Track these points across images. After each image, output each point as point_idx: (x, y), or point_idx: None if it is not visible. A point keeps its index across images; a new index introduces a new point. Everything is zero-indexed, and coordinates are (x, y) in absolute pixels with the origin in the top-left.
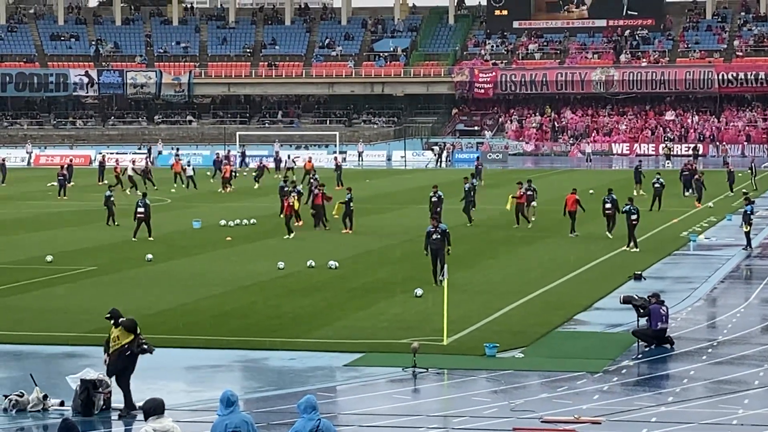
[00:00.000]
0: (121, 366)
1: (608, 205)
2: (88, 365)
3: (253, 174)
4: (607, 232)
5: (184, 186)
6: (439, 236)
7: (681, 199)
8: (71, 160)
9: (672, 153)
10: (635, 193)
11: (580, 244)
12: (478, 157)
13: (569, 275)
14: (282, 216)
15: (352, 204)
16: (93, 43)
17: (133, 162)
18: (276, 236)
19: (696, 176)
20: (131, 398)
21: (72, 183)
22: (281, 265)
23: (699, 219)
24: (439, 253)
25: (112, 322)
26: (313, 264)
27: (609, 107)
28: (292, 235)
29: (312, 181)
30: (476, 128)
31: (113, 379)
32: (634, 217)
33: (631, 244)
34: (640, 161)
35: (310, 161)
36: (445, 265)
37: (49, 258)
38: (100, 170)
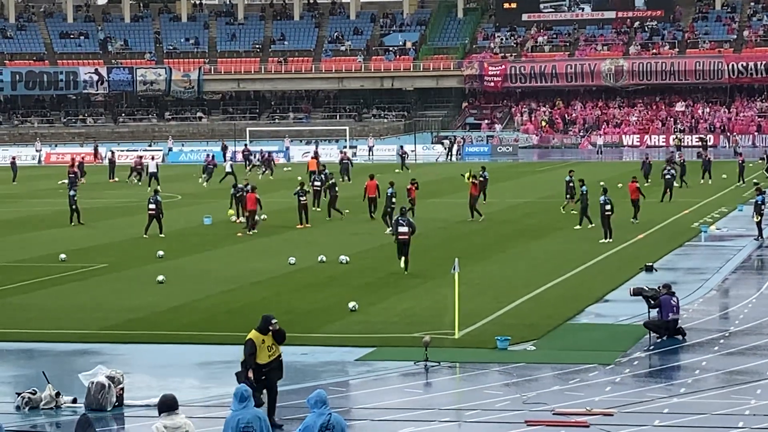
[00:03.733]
0: (279, 376)
1: (608, 207)
2: (101, 362)
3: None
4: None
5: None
6: (404, 226)
7: (691, 189)
8: (83, 158)
9: (683, 144)
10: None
11: (591, 237)
12: (401, 146)
13: (580, 267)
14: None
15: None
16: (102, 40)
17: (153, 158)
18: (286, 231)
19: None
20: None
21: (83, 180)
22: (292, 260)
23: (710, 210)
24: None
25: (258, 328)
26: (324, 259)
27: (619, 99)
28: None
29: (323, 176)
30: (486, 121)
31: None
32: (608, 207)
33: (608, 236)
34: (647, 155)
35: (314, 158)
36: (456, 260)
37: (62, 256)
38: (110, 167)
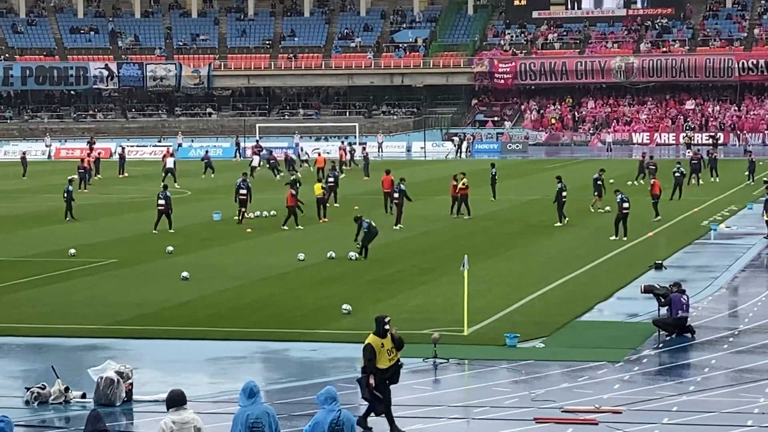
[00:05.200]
0: (397, 381)
1: (626, 205)
2: (110, 357)
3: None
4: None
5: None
6: (366, 230)
7: (700, 187)
8: (100, 153)
9: (693, 142)
10: (634, 183)
11: (601, 234)
12: (342, 142)
13: (589, 265)
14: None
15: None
16: (112, 36)
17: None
18: (295, 228)
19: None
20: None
21: (99, 176)
22: (301, 256)
23: (720, 208)
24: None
25: (376, 332)
26: (333, 255)
27: (629, 97)
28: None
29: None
30: (496, 118)
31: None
32: (626, 206)
33: (620, 234)
34: (644, 153)
35: (320, 156)
36: (466, 256)
37: (72, 251)
38: (120, 163)
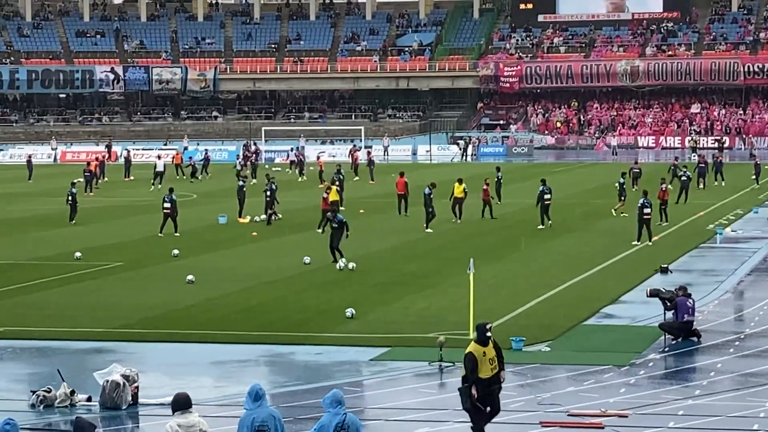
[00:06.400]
0: (499, 390)
1: (647, 210)
2: (116, 361)
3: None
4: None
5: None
6: (336, 226)
7: (706, 191)
8: (104, 157)
9: (698, 146)
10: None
11: (606, 238)
12: (354, 145)
13: (595, 269)
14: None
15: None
16: (118, 39)
17: (159, 157)
18: (301, 231)
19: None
20: None
21: (106, 179)
22: (307, 260)
23: (726, 212)
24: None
25: (477, 340)
26: (349, 265)
27: (635, 100)
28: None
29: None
30: (501, 122)
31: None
32: (647, 210)
33: (644, 238)
34: (636, 161)
35: (319, 159)
36: (471, 260)
37: (78, 255)
38: (126, 166)
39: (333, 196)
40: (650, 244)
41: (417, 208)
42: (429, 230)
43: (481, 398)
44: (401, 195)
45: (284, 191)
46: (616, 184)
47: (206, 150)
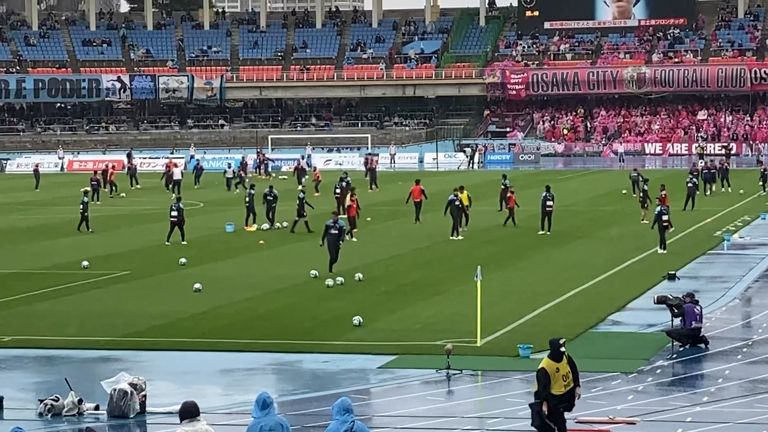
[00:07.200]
0: (570, 408)
1: (665, 217)
2: (123, 369)
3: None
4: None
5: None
6: (336, 231)
7: (713, 197)
8: (113, 166)
9: (705, 152)
10: (633, 195)
11: (613, 245)
12: (369, 153)
13: (602, 276)
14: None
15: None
16: (125, 48)
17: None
18: (308, 239)
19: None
20: None
21: (117, 192)
22: (314, 273)
23: (733, 218)
24: (332, 246)
25: (550, 356)
26: (362, 277)
27: (641, 107)
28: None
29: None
30: (508, 129)
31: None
32: (665, 218)
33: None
34: (636, 169)
35: (316, 171)
36: (479, 267)
37: (85, 263)
38: (131, 174)
39: (348, 203)
40: (664, 251)
41: (430, 215)
42: (459, 237)
43: (553, 415)
44: (417, 202)
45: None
46: (640, 193)
47: (197, 160)
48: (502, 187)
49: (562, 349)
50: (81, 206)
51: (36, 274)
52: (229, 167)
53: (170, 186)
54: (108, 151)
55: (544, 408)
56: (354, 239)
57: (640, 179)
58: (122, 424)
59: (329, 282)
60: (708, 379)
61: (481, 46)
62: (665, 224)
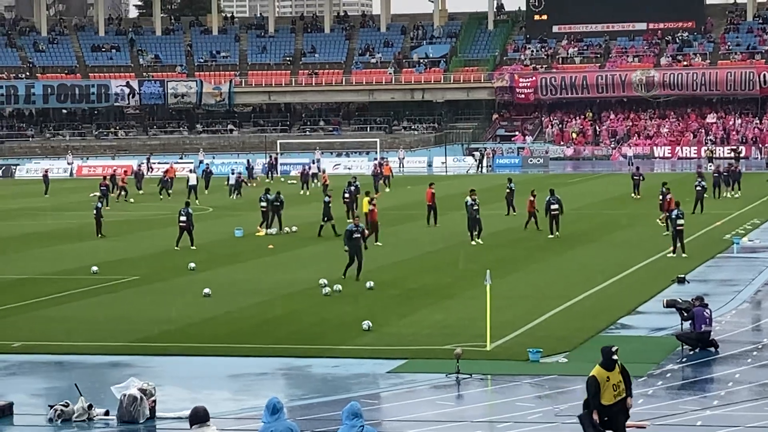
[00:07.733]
0: (626, 418)
1: (681, 221)
2: (133, 375)
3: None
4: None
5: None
6: (359, 235)
7: (722, 201)
8: (125, 172)
9: (714, 156)
10: (633, 196)
11: (622, 249)
12: (382, 158)
13: (612, 279)
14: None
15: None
16: (133, 53)
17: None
18: (317, 243)
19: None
20: None
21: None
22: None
23: (742, 221)
24: (358, 251)
25: (602, 364)
26: (372, 285)
27: (650, 110)
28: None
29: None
30: (516, 133)
31: None
32: (680, 222)
33: (678, 249)
34: (638, 168)
35: (324, 173)
36: (488, 271)
37: (94, 269)
38: (137, 179)
39: (365, 207)
40: (684, 255)
41: (445, 217)
42: (480, 241)
43: (603, 426)
44: (430, 206)
45: (302, 204)
46: (659, 196)
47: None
48: (507, 190)
49: (615, 357)
50: (95, 212)
51: (45, 280)
52: (233, 173)
53: (163, 191)
54: (117, 157)
55: (595, 417)
56: (378, 243)
57: (642, 179)
58: (132, 429)
59: (326, 290)
60: (718, 382)
61: (490, 50)
62: (679, 228)
